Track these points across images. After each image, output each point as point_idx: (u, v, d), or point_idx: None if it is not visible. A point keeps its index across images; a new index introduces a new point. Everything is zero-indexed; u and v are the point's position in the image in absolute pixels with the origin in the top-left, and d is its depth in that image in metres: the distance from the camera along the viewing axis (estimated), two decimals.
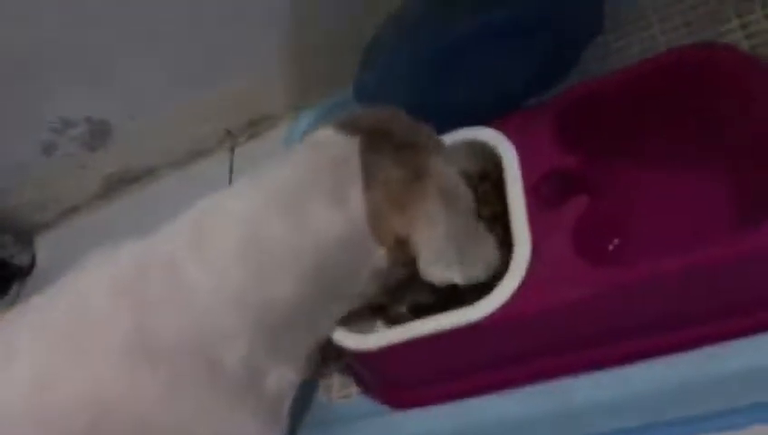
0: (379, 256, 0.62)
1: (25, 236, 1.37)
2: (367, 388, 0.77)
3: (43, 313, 0.64)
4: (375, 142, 0.62)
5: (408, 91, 0.77)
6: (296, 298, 0.61)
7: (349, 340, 0.69)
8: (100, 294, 0.62)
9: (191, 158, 1.24)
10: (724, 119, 0.68)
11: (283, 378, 0.64)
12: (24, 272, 1.33)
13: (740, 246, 0.56)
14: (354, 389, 0.79)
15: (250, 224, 0.61)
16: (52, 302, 0.64)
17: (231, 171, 1.20)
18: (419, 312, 0.75)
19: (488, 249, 0.67)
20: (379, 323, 0.75)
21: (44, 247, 1.38)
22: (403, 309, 0.77)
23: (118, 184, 1.30)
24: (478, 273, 0.65)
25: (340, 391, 0.81)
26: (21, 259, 1.33)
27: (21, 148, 1.20)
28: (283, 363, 0.64)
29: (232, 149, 1.22)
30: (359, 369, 0.75)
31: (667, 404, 0.63)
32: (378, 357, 0.68)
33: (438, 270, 0.62)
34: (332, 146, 0.63)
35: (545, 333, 0.64)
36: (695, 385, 0.62)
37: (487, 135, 0.74)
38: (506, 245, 0.67)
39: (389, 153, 0.61)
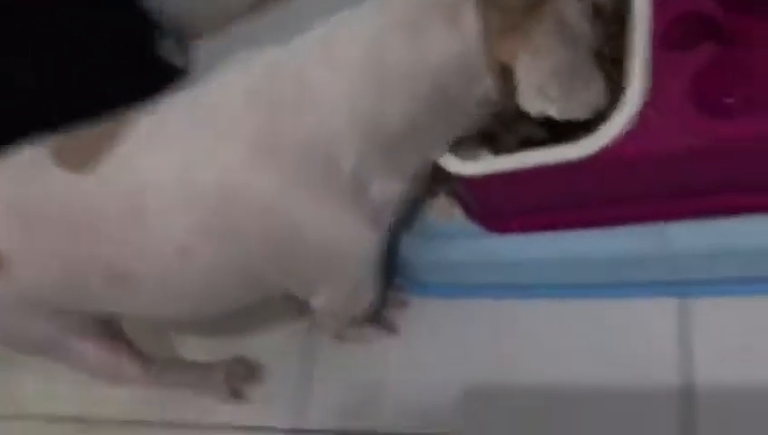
0: (488, 84, 0.63)
1: (185, 41, 1.48)
2: (468, 211, 0.82)
3: (189, 104, 0.72)
4: None
5: None
6: (407, 116, 0.65)
7: (454, 164, 0.72)
8: (237, 93, 0.69)
9: None
10: None
11: (388, 188, 0.70)
12: (180, 73, 1.45)
13: None
14: (458, 210, 0.84)
15: (374, 42, 0.64)
16: (197, 96, 0.72)
17: None
18: (529, 145, 0.78)
19: (594, 92, 0.65)
20: (486, 152, 0.78)
21: (200, 54, 1.49)
22: (513, 141, 0.79)
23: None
24: (578, 113, 0.64)
25: (444, 211, 0.86)
26: (179, 60, 1.45)
27: None
28: (389, 177, 0.70)
29: None
30: (462, 192, 0.80)
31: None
32: (479, 183, 0.72)
33: (535, 103, 0.62)
34: None
35: (646, 178, 0.65)
36: None
37: None
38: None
39: None
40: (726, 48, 0.64)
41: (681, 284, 0.69)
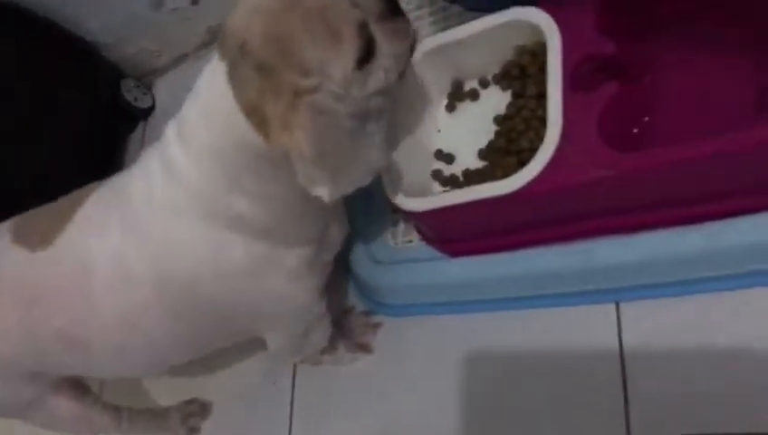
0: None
1: (145, 80, 1.55)
2: (424, 236, 0.90)
3: (120, 190, 0.78)
4: (239, 63, 0.63)
5: None
6: (255, 201, 0.70)
7: (403, 201, 0.81)
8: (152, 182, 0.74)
9: None
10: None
11: (300, 253, 0.76)
12: (147, 112, 1.52)
13: (747, 139, 0.61)
14: (416, 236, 0.93)
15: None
16: (124, 184, 0.78)
17: None
18: (470, 177, 0.87)
19: (364, 165, 0.69)
20: (437, 186, 0.87)
21: (162, 90, 1.55)
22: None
23: (217, 36, 1.41)
24: (350, 187, 0.69)
25: (404, 237, 0.94)
26: (144, 101, 1.52)
27: (134, 3, 1.33)
28: (291, 246, 0.76)
29: None
30: (416, 223, 0.88)
31: (677, 267, 0.72)
32: (426, 216, 0.81)
33: (309, 189, 0.65)
34: (215, 74, 0.65)
35: (569, 205, 0.74)
36: (701, 253, 0.70)
37: (536, 16, 0.78)
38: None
39: (255, 78, 0.63)
40: (628, 83, 0.73)
41: (612, 291, 0.79)
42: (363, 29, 0.64)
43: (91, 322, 0.78)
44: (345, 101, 0.65)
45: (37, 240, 0.80)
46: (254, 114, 0.64)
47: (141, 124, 1.55)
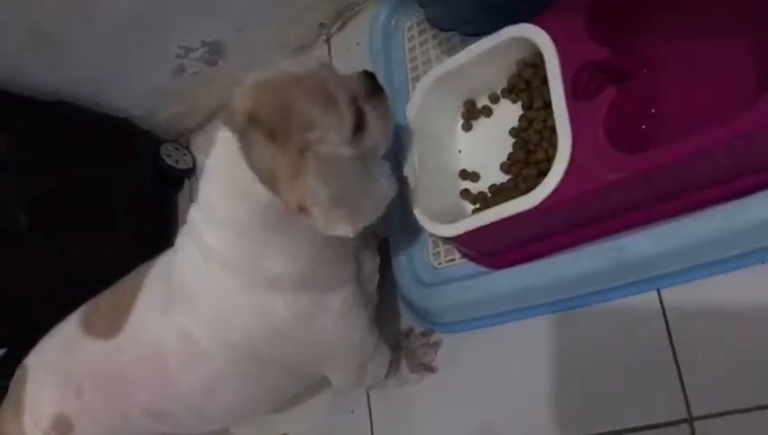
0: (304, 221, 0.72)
1: (182, 141, 1.63)
2: (465, 255, 0.94)
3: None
4: (250, 131, 0.70)
5: None
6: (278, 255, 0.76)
7: (437, 229, 0.86)
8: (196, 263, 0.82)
9: (297, 55, 1.38)
10: None
11: (337, 296, 0.82)
12: (189, 172, 1.60)
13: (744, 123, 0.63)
14: (457, 255, 0.97)
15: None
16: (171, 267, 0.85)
17: (330, 60, 1.34)
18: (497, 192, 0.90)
19: (376, 195, 0.76)
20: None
21: (200, 147, 1.63)
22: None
23: None
24: (368, 220, 0.75)
25: (446, 257, 0.99)
26: (184, 162, 1.60)
27: (156, 75, 1.40)
28: (326, 291, 0.81)
29: (328, 41, 1.34)
30: (453, 245, 0.93)
31: (703, 251, 0.75)
32: (462, 238, 0.85)
33: (330, 232, 0.71)
34: (224, 146, 0.72)
35: (591, 208, 0.77)
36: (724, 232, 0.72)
37: (530, 32, 0.81)
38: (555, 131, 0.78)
39: (263, 140, 0.69)
40: (628, 81, 0.75)
41: (650, 280, 0.81)
42: (355, 104, 0.74)
43: (173, 394, 0.86)
44: (346, 148, 0.73)
45: (107, 328, 0.88)
46: (268, 177, 0.70)
47: (187, 183, 1.64)
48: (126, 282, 0.91)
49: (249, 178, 0.71)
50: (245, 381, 0.85)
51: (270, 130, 0.70)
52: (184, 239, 0.83)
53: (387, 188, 0.79)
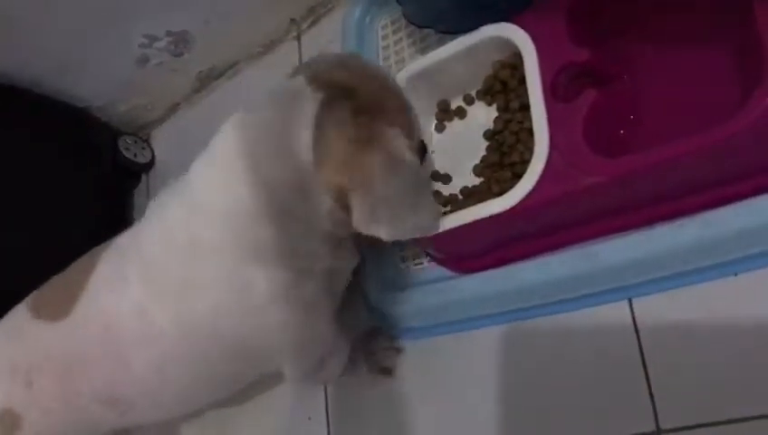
0: (329, 204, 0.71)
1: (142, 134, 1.58)
2: (433, 259, 0.92)
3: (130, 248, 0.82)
4: (337, 100, 0.69)
5: None
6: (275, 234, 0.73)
7: None
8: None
9: (266, 50, 1.35)
10: None
11: (308, 283, 0.78)
12: (148, 166, 1.55)
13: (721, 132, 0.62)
14: (425, 258, 0.94)
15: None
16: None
17: (300, 58, 1.30)
18: (469, 195, 0.88)
19: (422, 218, 0.76)
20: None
21: (160, 141, 1.58)
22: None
23: (207, 80, 1.44)
24: (407, 235, 0.74)
25: (414, 261, 0.96)
26: (143, 156, 1.54)
27: (118, 64, 1.35)
28: (301, 277, 0.77)
29: (298, 37, 1.31)
30: (421, 248, 0.90)
31: (676, 260, 0.73)
32: (429, 242, 0.82)
33: (367, 226, 0.71)
34: (295, 99, 0.71)
35: (567, 212, 0.75)
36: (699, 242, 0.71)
37: (510, 32, 0.80)
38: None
39: (348, 114, 0.69)
40: (608, 86, 0.74)
41: (622, 289, 0.80)
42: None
43: (127, 378, 0.80)
44: (415, 158, 0.74)
45: (56, 311, 0.83)
46: (323, 149, 0.68)
47: (144, 178, 1.58)
48: (78, 263, 0.86)
49: (300, 138, 0.68)
50: (199, 363, 0.80)
51: (359, 107, 0.70)
52: (167, 205, 0.78)
53: (431, 220, 0.78)
